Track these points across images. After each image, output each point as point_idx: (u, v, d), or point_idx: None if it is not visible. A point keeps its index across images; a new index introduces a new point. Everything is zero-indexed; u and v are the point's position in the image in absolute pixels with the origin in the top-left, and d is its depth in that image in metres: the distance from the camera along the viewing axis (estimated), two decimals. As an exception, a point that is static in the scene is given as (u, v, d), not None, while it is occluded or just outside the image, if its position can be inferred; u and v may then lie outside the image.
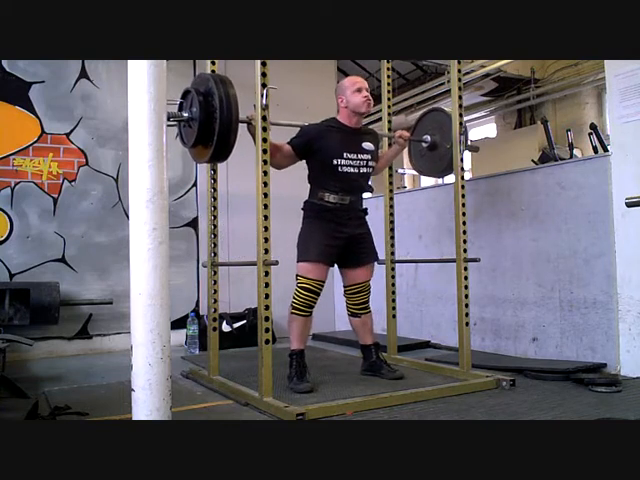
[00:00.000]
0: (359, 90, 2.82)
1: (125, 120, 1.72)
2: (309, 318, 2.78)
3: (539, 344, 3.34)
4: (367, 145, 2.89)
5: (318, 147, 2.79)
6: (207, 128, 2.38)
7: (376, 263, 3.04)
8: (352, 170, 2.83)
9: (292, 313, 2.77)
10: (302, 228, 2.87)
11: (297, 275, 2.78)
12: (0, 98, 3.81)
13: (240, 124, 2.42)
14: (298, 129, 2.88)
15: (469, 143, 3.19)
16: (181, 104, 2.54)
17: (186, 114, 2.47)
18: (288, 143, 2.79)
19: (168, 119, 2.27)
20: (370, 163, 2.90)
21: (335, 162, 2.79)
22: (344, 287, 2.99)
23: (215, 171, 2.95)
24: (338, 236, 2.81)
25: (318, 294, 2.77)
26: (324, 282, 2.79)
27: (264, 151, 2.44)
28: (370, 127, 3.17)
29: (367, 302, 2.98)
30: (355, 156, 2.83)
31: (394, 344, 3.41)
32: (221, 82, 2.40)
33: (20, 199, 3.85)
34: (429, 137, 3.26)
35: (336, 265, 2.96)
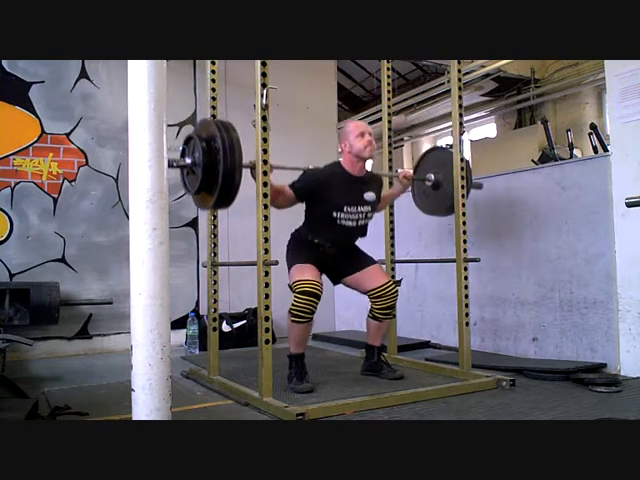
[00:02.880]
0: (362, 135, 2.79)
1: (125, 120, 1.72)
2: (310, 323, 2.67)
3: (539, 344, 3.34)
4: (369, 196, 2.85)
5: (319, 196, 2.76)
6: (210, 174, 2.34)
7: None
8: (350, 224, 2.80)
9: (292, 321, 2.65)
10: (288, 250, 2.85)
11: (292, 283, 2.67)
12: (0, 98, 3.81)
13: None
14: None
15: (472, 181, 3.18)
16: (183, 150, 2.51)
17: (189, 160, 2.44)
18: (290, 187, 2.73)
19: (170, 165, 2.26)
20: (369, 214, 2.88)
21: (334, 215, 2.76)
22: (366, 294, 2.88)
23: (215, 171, 2.95)
24: (326, 251, 2.82)
25: (318, 296, 2.62)
26: (321, 284, 2.66)
27: (264, 151, 2.44)
28: (375, 173, 3.09)
29: (392, 307, 2.86)
30: (355, 209, 2.80)
31: (394, 344, 3.41)
32: (224, 127, 2.38)
33: (20, 199, 3.85)
34: (433, 176, 3.21)
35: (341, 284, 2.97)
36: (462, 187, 2.93)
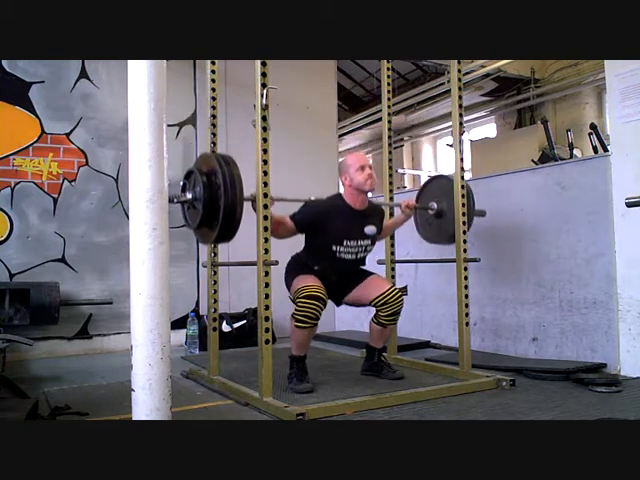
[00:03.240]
0: (362, 168, 2.77)
1: (125, 120, 1.72)
2: (313, 328, 2.65)
3: (539, 344, 3.34)
4: (369, 229, 2.84)
5: (319, 229, 2.75)
6: (212, 208, 2.35)
7: (376, 263, 3.03)
8: (349, 257, 2.80)
9: (296, 326, 2.62)
10: (287, 270, 2.83)
11: (295, 290, 2.65)
12: (0, 98, 3.81)
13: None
14: (303, 196, 2.86)
15: (476, 209, 3.17)
16: (184, 185, 2.50)
17: (190, 195, 2.44)
18: (291, 219, 2.72)
19: (171, 201, 2.25)
20: (369, 248, 2.88)
21: (334, 248, 2.76)
22: (371, 305, 2.83)
23: (215, 171, 2.95)
24: (327, 277, 2.79)
25: (323, 301, 2.60)
26: (325, 291, 2.64)
27: (264, 151, 2.44)
28: (376, 204, 3.08)
29: (398, 313, 2.82)
30: (355, 243, 2.79)
31: (394, 344, 3.41)
32: (224, 162, 2.38)
33: (20, 199, 3.85)
34: (435, 204, 3.20)
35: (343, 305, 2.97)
36: (462, 183, 2.93)
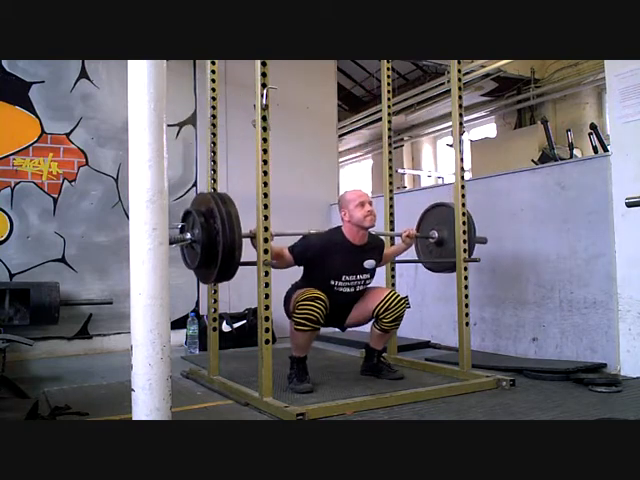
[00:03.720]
0: (362, 205, 2.75)
1: (125, 120, 1.72)
2: (314, 332, 2.64)
3: (539, 344, 3.34)
4: (368, 263, 2.83)
5: (318, 264, 2.75)
6: (210, 250, 2.35)
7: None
8: (347, 290, 2.80)
9: (296, 329, 2.61)
10: (287, 297, 2.81)
11: (293, 302, 2.64)
12: (0, 98, 3.81)
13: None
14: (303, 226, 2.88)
15: (477, 236, 3.15)
16: (182, 227, 2.51)
17: (188, 236, 2.44)
18: (290, 252, 2.72)
19: (171, 243, 2.23)
20: (368, 281, 2.87)
21: (332, 282, 2.75)
22: (373, 315, 2.83)
23: (215, 171, 2.95)
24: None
25: (323, 301, 2.59)
26: (326, 297, 2.63)
27: (264, 151, 2.43)
28: (376, 237, 3.02)
29: (400, 318, 2.81)
30: (354, 277, 2.79)
31: (394, 344, 3.41)
32: (222, 201, 2.37)
33: (20, 199, 3.85)
34: (436, 233, 3.21)
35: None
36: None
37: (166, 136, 1.67)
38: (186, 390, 2.83)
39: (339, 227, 2.87)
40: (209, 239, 2.34)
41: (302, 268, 2.87)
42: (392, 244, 3.35)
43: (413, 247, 3.30)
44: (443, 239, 3.19)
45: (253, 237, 2.48)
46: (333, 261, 2.74)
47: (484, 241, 3.22)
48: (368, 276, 2.86)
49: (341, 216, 2.84)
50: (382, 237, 3.15)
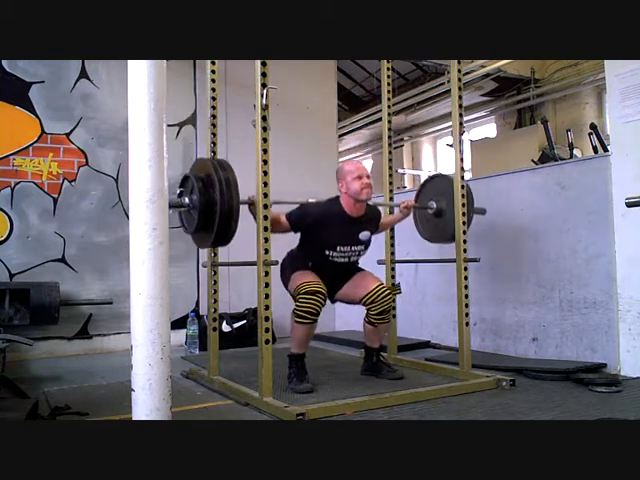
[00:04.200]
0: (359, 177, 2.76)
1: (125, 120, 1.72)
2: (314, 325, 2.68)
3: (539, 344, 3.34)
4: (364, 235, 2.85)
5: (314, 233, 2.78)
6: (208, 215, 2.35)
7: (376, 263, 3.02)
8: (342, 260, 2.83)
9: (296, 322, 2.65)
10: (284, 266, 2.83)
11: (295, 287, 2.66)
12: (0, 98, 3.81)
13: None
14: (302, 195, 2.89)
15: (475, 207, 3.17)
16: (181, 192, 2.50)
17: (187, 201, 2.44)
18: (287, 218, 2.74)
19: (170, 207, 2.24)
20: (362, 252, 2.89)
21: (327, 252, 2.78)
22: (361, 304, 2.85)
23: (215, 171, 2.95)
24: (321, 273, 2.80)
25: (324, 295, 2.63)
26: (325, 286, 2.66)
27: (264, 151, 2.44)
28: (373, 206, 3.03)
29: (386, 312, 2.83)
30: (348, 248, 2.81)
31: (394, 344, 3.41)
32: (220, 167, 2.38)
33: (20, 199, 3.85)
34: (435, 203, 3.21)
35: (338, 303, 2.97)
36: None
37: (166, 136, 1.67)
38: (186, 390, 2.83)
39: (337, 197, 2.88)
40: (207, 202, 2.35)
41: (297, 237, 2.90)
42: (391, 214, 3.39)
43: (411, 217, 3.32)
44: (442, 210, 3.19)
45: (251, 203, 2.49)
46: (329, 232, 2.77)
47: (483, 212, 3.22)
48: (362, 247, 2.88)
49: (338, 187, 2.86)
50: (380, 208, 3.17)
